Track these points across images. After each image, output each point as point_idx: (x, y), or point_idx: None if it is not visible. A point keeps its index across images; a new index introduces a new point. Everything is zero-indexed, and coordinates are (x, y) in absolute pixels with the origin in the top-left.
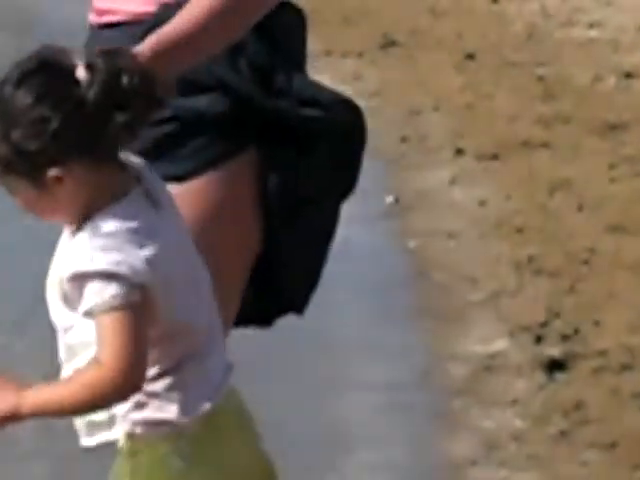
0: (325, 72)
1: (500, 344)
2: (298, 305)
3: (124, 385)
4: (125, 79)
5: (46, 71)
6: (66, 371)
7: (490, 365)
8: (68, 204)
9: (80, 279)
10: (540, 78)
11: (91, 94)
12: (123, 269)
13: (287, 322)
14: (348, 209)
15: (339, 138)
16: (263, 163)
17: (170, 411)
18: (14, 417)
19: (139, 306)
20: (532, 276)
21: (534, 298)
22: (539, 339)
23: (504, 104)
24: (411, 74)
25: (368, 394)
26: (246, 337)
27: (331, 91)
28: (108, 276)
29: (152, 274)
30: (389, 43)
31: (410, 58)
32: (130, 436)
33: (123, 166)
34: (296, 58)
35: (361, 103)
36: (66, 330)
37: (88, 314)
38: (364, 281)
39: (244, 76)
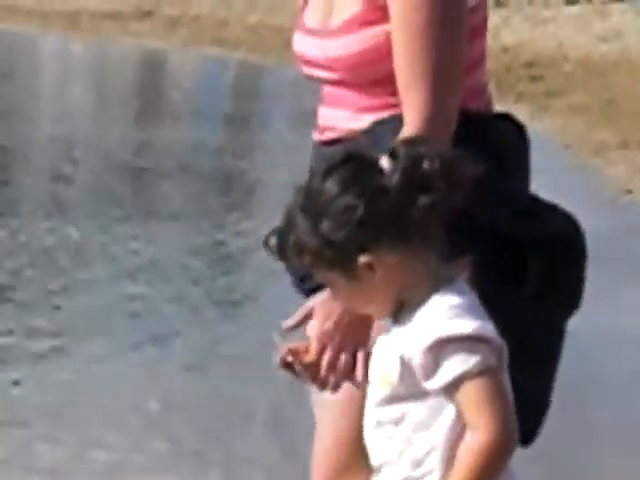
0: (620, 164)
1: None
2: (526, 435)
3: (508, 444)
4: (426, 164)
5: (351, 163)
6: (393, 475)
7: None
8: (382, 293)
9: (441, 346)
10: None
11: (394, 180)
12: (489, 333)
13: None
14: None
15: (556, 248)
16: (478, 281)
17: None
18: None
19: (499, 370)
20: None
21: None
22: None
23: None
24: None
25: None
26: None
27: (549, 202)
28: (476, 340)
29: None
30: None
31: None
32: None
33: (451, 257)
34: (513, 168)
35: None
36: (397, 422)
37: (451, 385)
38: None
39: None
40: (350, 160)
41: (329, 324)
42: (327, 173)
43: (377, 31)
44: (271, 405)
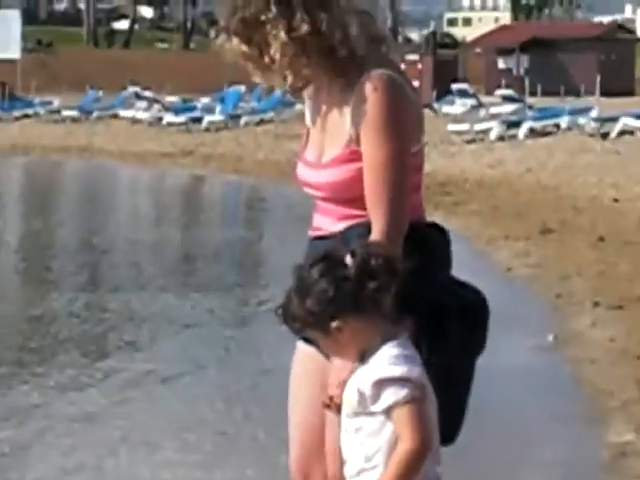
0: (504, 250)
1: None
2: (452, 436)
3: (424, 451)
4: (373, 261)
5: (327, 259)
6: (353, 465)
7: None
8: (350, 346)
9: (381, 383)
10: None
11: (352, 272)
12: (414, 375)
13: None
14: (522, 343)
15: (469, 311)
16: (418, 335)
17: None
18: None
19: (422, 399)
20: None
21: None
22: None
23: (626, 271)
24: (561, 251)
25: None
26: None
27: (463, 281)
28: (405, 380)
29: (426, 380)
30: (546, 230)
31: (561, 240)
32: None
33: (396, 321)
34: (439, 260)
35: (527, 271)
36: (356, 431)
37: (387, 410)
38: (534, 390)
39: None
40: (327, 258)
41: (344, 376)
42: (312, 265)
43: (352, 167)
44: None
